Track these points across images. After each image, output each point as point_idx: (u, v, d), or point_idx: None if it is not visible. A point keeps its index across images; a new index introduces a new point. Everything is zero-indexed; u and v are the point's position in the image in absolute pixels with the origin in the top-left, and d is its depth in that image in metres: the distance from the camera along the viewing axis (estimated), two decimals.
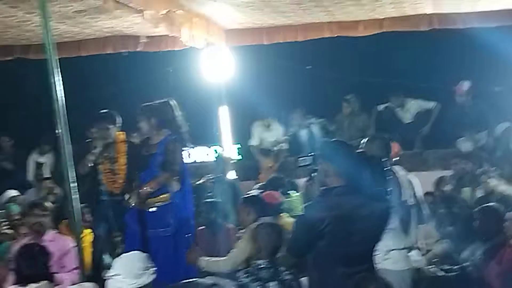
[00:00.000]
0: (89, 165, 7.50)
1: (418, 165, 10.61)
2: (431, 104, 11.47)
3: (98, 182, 7.62)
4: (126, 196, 7.41)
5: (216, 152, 11.01)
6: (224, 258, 6.69)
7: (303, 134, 11.63)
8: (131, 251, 6.35)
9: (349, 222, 4.66)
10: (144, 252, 6.61)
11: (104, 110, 7.80)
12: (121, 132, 7.78)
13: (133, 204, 7.30)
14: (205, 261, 6.63)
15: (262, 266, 5.45)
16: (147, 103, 7.44)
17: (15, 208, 9.62)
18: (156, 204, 7.25)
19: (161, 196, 7.25)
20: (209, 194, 9.19)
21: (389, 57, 11.95)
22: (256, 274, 5.42)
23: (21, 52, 9.71)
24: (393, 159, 6.38)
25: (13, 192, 10.39)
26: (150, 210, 7.26)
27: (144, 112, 7.34)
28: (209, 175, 10.01)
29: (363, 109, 11.88)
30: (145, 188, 7.15)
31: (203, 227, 7.79)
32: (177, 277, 6.96)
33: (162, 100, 7.42)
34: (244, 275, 5.46)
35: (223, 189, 9.63)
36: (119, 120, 7.77)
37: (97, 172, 7.62)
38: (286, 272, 5.40)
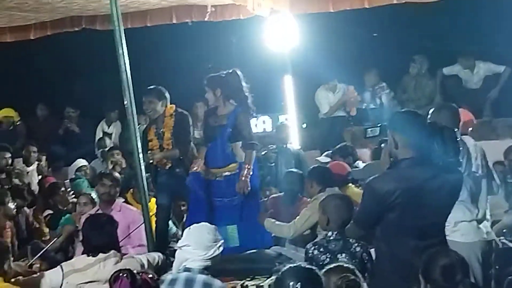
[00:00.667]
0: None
1: (487, 133, 10.39)
2: (501, 68, 11.20)
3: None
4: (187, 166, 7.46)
5: (279, 121, 10.95)
6: (288, 224, 6.74)
7: (372, 101, 11.46)
8: (195, 217, 6.45)
9: (420, 194, 4.58)
10: (208, 219, 6.87)
11: (151, 87, 7.74)
12: (171, 106, 7.73)
13: (198, 170, 7.32)
14: (270, 223, 6.77)
15: (331, 238, 5.41)
16: (214, 74, 7.42)
17: (85, 184, 9.73)
18: (224, 174, 7.30)
19: (229, 166, 7.31)
20: (271, 164, 9.17)
21: (456, 22, 11.67)
22: (325, 246, 5.38)
23: (87, 23, 9.78)
24: (468, 129, 6.24)
25: (82, 162, 10.55)
26: (218, 179, 7.32)
27: (211, 83, 7.33)
28: (271, 145, 9.99)
29: (430, 72, 11.63)
30: (245, 171, 7.13)
31: (277, 195, 7.85)
32: (242, 247, 7.05)
33: (229, 71, 7.40)
34: (313, 247, 5.43)
35: (285, 159, 9.62)
36: (167, 95, 7.70)
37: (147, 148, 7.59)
38: (356, 244, 5.35)
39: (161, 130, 7.65)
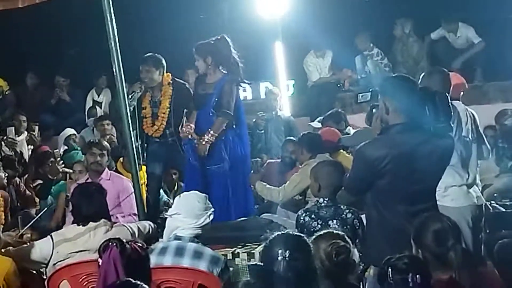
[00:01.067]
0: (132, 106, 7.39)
1: (478, 98, 10.38)
2: (477, 40, 11.10)
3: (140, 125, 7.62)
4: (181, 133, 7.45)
5: (268, 88, 10.91)
6: (277, 188, 6.75)
7: (363, 66, 11.39)
8: (190, 184, 6.44)
9: (411, 160, 4.57)
10: (202, 186, 6.94)
11: (148, 54, 7.71)
12: (167, 74, 7.70)
13: (190, 136, 7.33)
14: (261, 185, 6.82)
15: (322, 204, 5.41)
16: (203, 41, 7.37)
17: (80, 156, 9.68)
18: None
19: None
20: (261, 132, 9.16)
21: None
22: (316, 212, 5.39)
23: None
24: (460, 93, 6.21)
25: (70, 131, 10.49)
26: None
27: (201, 51, 7.29)
28: (260, 112, 9.96)
29: (417, 35, 11.54)
30: (206, 137, 7.14)
31: (274, 160, 7.94)
32: (232, 214, 7.06)
33: (218, 37, 7.35)
34: (305, 214, 5.43)
35: (275, 126, 9.60)
36: (164, 63, 7.67)
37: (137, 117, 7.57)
38: (347, 210, 5.35)
39: (158, 98, 7.62)
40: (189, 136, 7.28)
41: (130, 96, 7.33)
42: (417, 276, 3.71)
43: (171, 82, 7.64)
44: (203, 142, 7.14)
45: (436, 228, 4.15)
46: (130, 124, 6.48)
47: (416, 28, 11.50)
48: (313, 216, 5.37)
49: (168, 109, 7.56)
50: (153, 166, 7.62)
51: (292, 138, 8.05)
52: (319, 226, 5.26)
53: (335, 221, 5.31)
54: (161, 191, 7.99)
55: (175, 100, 7.57)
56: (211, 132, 7.14)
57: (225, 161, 7.23)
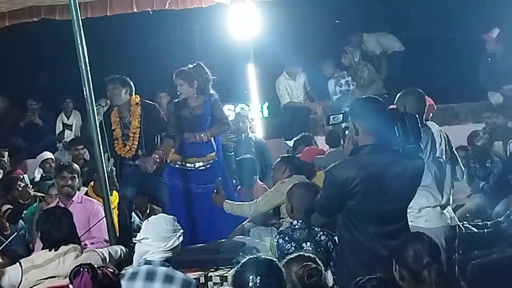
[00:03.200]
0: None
1: (450, 119, 10.44)
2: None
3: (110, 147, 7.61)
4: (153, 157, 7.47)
5: (239, 110, 10.90)
6: (248, 203, 6.76)
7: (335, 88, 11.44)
8: (174, 208, 6.43)
9: (380, 180, 4.56)
10: (186, 208, 7.25)
11: (115, 75, 7.72)
12: (136, 96, 7.71)
13: (174, 162, 7.54)
14: (230, 204, 6.75)
15: (296, 226, 5.37)
16: (183, 68, 7.56)
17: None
18: (204, 162, 7.56)
19: (208, 155, 7.58)
20: (230, 154, 9.16)
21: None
22: (290, 235, 5.33)
23: (47, 13, 9.64)
24: (430, 114, 6.23)
25: (48, 154, 10.41)
26: (198, 168, 7.55)
27: (185, 76, 7.50)
28: (231, 134, 9.94)
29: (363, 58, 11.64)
30: (202, 135, 7.41)
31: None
32: (217, 234, 7.09)
33: (195, 64, 7.58)
34: (278, 236, 5.38)
35: (245, 148, 9.59)
36: (131, 84, 7.68)
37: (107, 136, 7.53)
38: (321, 232, 5.31)
39: (127, 119, 7.64)
40: (204, 139, 7.43)
41: (97, 111, 7.26)
42: None
43: (139, 102, 7.67)
44: (198, 138, 7.40)
45: (416, 246, 4.14)
46: (101, 148, 6.44)
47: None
48: (287, 238, 5.32)
49: (139, 129, 7.58)
50: (125, 189, 7.58)
51: (245, 156, 8.53)
52: (293, 248, 5.21)
53: (308, 243, 5.25)
54: (134, 215, 7.92)
55: (144, 120, 7.60)
56: (208, 133, 7.45)
57: (214, 182, 7.24)
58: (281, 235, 5.38)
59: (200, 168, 7.54)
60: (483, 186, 8.35)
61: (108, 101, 7.56)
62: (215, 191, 6.75)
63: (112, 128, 7.65)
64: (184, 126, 7.56)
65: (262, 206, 6.63)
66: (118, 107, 7.65)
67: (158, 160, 7.39)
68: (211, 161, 7.55)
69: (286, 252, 5.15)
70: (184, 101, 7.59)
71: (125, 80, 7.66)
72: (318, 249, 5.18)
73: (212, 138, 7.58)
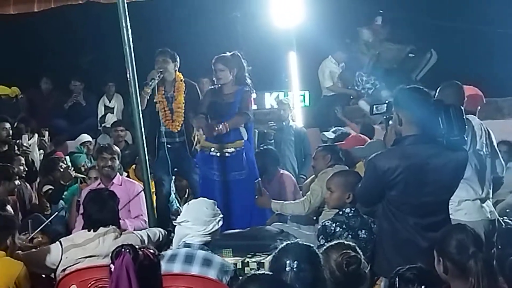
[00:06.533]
0: (146, 98, 7.43)
1: (493, 113, 10.33)
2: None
3: (158, 121, 7.62)
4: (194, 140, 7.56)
5: (279, 99, 10.89)
6: (299, 201, 6.70)
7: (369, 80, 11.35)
8: (206, 194, 6.45)
9: (422, 172, 4.55)
10: (219, 194, 7.17)
11: (165, 48, 7.78)
12: (179, 72, 7.76)
13: (204, 148, 7.47)
14: (279, 204, 6.69)
15: (350, 214, 5.30)
16: (223, 54, 7.52)
17: (83, 158, 9.73)
18: (232, 149, 7.46)
19: (236, 142, 7.46)
20: (270, 141, 9.15)
21: None
22: (346, 222, 5.26)
23: None
24: (477, 107, 6.17)
25: (86, 137, 10.51)
26: (226, 154, 7.47)
27: (227, 62, 7.45)
28: (271, 122, 9.94)
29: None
30: (221, 127, 7.29)
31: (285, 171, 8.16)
32: (253, 222, 7.09)
33: (234, 53, 7.55)
34: (334, 224, 5.27)
35: (285, 136, 9.58)
36: (178, 59, 7.73)
37: (155, 110, 7.61)
38: (370, 220, 5.25)
39: (171, 93, 7.68)
40: (223, 131, 7.34)
41: (150, 83, 7.39)
42: (422, 286, 3.66)
43: (183, 79, 7.73)
44: (216, 128, 7.30)
45: (460, 237, 4.11)
46: (143, 131, 6.48)
47: None
48: (344, 226, 5.24)
49: (183, 104, 7.65)
50: (162, 171, 7.61)
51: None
52: (350, 236, 5.14)
53: (363, 230, 5.21)
54: (173, 198, 7.98)
55: (187, 97, 7.67)
56: (226, 124, 7.32)
57: (245, 169, 7.40)
58: (338, 223, 5.27)
59: (227, 154, 7.49)
60: None
61: (160, 74, 7.53)
62: (258, 193, 6.71)
63: (155, 100, 7.61)
64: (214, 111, 7.53)
65: (315, 201, 6.55)
66: (163, 82, 7.66)
67: (222, 131, 7.34)
68: (238, 148, 7.46)
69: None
70: (219, 88, 7.57)
71: (172, 53, 7.71)
72: (372, 236, 5.13)
73: (243, 126, 7.50)
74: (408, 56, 11.22)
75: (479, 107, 6.25)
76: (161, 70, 7.57)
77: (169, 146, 7.63)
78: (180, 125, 7.67)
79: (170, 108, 7.67)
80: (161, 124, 7.62)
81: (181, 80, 7.71)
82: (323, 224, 5.34)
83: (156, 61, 7.63)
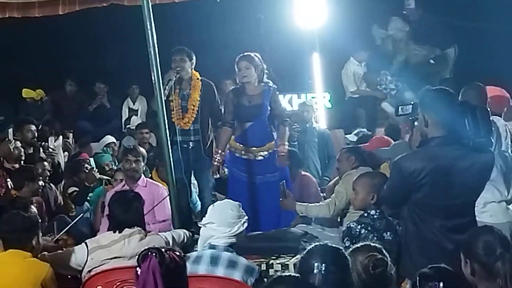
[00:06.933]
0: (164, 98, 7.37)
1: None
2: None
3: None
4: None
5: (304, 100, 10.86)
6: (324, 203, 6.69)
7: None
8: (235, 196, 6.45)
9: (448, 174, 4.52)
10: (249, 197, 7.20)
11: (181, 46, 7.75)
12: (196, 71, 7.72)
13: (234, 150, 7.50)
14: (304, 207, 6.66)
15: (375, 216, 5.29)
16: (247, 53, 7.44)
17: (106, 158, 9.79)
18: (264, 152, 7.47)
19: (268, 144, 7.47)
20: (294, 143, 9.15)
21: None
22: (371, 224, 5.25)
23: None
24: (504, 109, 6.14)
25: (110, 138, 10.57)
26: (258, 158, 7.47)
27: (253, 60, 7.37)
28: (295, 124, 9.93)
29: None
30: (281, 148, 7.34)
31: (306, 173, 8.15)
32: (282, 224, 7.09)
33: (256, 54, 7.49)
34: (359, 226, 5.27)
35: (308, 138, 9.56)
36: (194, 57, 7.69)
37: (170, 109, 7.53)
38: (395, 222, 5.24)
39: (187, 91, 7.63)
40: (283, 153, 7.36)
41: (167, 84, 7.26)
42: (440, 283, 3.65)
43: (199, 78, 7.69)
44: (282, 154, 7.33)
45: (487, 238, 4.09)
46: (167, 133, 6.49)
47: None
48: (369, 228, 5.24)
49: (198, 102, 7.58)
50: (182, 173, 7.57)
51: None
52: (375, 238, 5.12)
53: (389, 233, 5.20)
54: (196, 198, 7.99)
55: (202, 95, 7.61)
56: (281, 142, 7.37)
57: (278, 170, 7.38)
58: (363, 225, 5.26)
59: (259, 158, 7.46)
60: None
61: (177, 74, 7.49)
62: (282, 196, 6.68)
63: (170, 98, 7.51)
64: (242, 115, 7.46)
65: (340, 203, 6.53)
66: (180, 81, 7.60)
67: (286, 153, 7.38)
68: (270, 151, 7.43)
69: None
70: (242, 89, 7.46)
71: (189, 51, 7.66)
72: (397, 238, 5.10)
73: (272, 127, 7.51)
74: (429, 62, 11.18)
75: (505, 109, 6.21)
76: (178, 69, 7.51)
77: (184, 146, 7.58)
78: (191, 123, 7.60)
79: (182, 106, 7.60)
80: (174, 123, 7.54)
81: (198, 78, 7.67)
82: (348, 226, 5.32)
83: (173, 60, 7.58)
